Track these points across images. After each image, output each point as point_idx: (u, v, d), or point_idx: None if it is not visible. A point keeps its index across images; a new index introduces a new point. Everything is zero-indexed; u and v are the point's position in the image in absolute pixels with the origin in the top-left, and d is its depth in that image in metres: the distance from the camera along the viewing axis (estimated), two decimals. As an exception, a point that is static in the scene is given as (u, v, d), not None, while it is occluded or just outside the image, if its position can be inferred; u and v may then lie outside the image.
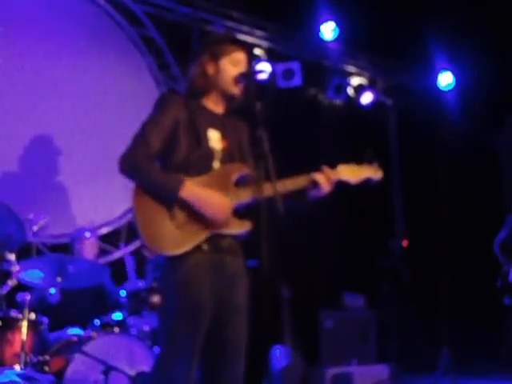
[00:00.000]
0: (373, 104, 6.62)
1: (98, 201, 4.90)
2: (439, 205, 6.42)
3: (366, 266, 5.99)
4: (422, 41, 6.24)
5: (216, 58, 2.55)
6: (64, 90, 4.91)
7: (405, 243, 6.50)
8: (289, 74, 5.90)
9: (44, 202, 4.51)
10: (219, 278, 2.41)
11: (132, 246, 4.97)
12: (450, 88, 6.73)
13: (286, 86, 5.90)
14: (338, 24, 6.13)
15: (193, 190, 2.36)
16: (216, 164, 2.49)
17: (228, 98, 2.57)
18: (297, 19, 6.13)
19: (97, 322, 3.76)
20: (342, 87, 6.53)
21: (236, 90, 2.53)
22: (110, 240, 4.98)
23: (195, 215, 2.37)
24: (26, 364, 3.23)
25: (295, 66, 5.90)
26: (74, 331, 3.65)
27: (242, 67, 2.55)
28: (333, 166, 2.59)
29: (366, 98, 6.59)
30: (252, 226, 2.45)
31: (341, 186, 2.64)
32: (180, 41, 5.57)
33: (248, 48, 2.64)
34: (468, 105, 6.61)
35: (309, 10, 6.10)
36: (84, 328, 3.70)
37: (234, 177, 2.47)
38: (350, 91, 6.61)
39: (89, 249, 4.20)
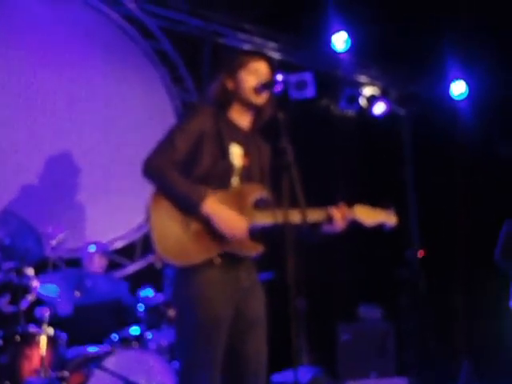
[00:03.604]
0: (385, 114, 6.59)
1: (113, 214, 4.89)
2: (455, 214, 6.36)
3: (382, 277, 5.93)
4: (435, 50, 6.20)
5: (233, 71, 2.54)
6: (79, 104, 4.93)
7: (421, 254, 6.43)
8: (301, 85, 5.88)
9: (60, 216, 4.50)
10: (234, 293, 2.39)
11: (147, 260, 4.94)
12: (463, 97, 6.68)
13: (299, 98, 5.88)
14: (349, 34, 6.11)
15: (213, 207, 2.34)
16: (235, 180, 2.46)
17: (253, 110, 2.55)
18: (308, 30, 6.12)
19: (115, 336, 3.73)
20: (354, 98, 6.50)
21: (258, 100, 2.52)
22: (125, 253, 4.95)
23: (210, 230, 2.35)
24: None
25: (308, 76, 5.87)
26: (92, 349, 3.62)
27: (260, 76, 2.53)
28: (350, 202, 2.58)
29: (379, 108, 6.56)
30: (267, 245, 2.44)
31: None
32: (192, 53, 5.59)
33: (267, 57, 2.63)
34: (481, 114, 6.56)
35: (320, 21, 6.08)
36: (102, 342, 3.66)
37: (253, 198, 2.45)
38: (363, 102, 6.59)
39: (94, 263, 4.17)
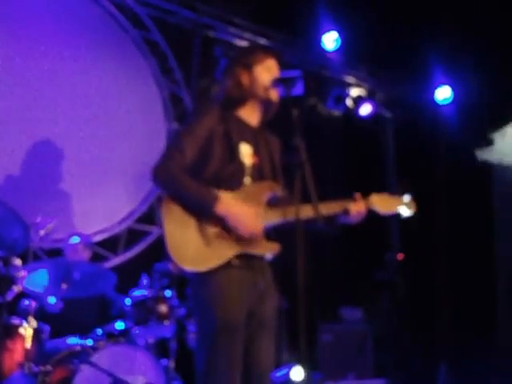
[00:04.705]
0: (372, 115, 6.60)
1: (97, 206, 4.78)
2: (435, 218, 6.42)
3: (361, 279, 5.94)
4: (421, 55, 6.25)
5: (249, 67, 2.53)
6: (66, 93, 4.80)
7: (400, 256, 6.46)
8: (290, 83, 5.84)
9: (46, 206, 4.37)
10: (250, 294, 2.38)
11: (131, 253, 4.86)
12: (448, 102, 6.74)
13: (288, 95, 5.84)
14: (339, 34, 6.10)
15: (228, 207, 2.31)
16: (247, 180, 2.44)
17: (265, 106, 2.53)
18: (299, 28, 6.10)
19: (99, 331, 3.63)
20: (341, 98, 6.49)
21: (273, 96, 2.51)
22: (109, 246, 4.85)
23: (225, 231, 2.32)
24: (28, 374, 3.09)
25: (297, 74, 5.84)
26: (73, 341, 3.51)
27: (275, 73, 2.53)
28: (365, 193, 2.52)
29: (365, 110, 6.57)
30: (281, 246, 2.41)
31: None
32: (182, 45, 5.51)
33: (280, 55, 2.61)
34: (465, 119, 6.63)
35: (311, 20, 6.06)
36: (85, 337, 3.56)
37: (266, 196, 2.42)
38: (349, 102, 6.58)
39: (77, 255, 4.05)
